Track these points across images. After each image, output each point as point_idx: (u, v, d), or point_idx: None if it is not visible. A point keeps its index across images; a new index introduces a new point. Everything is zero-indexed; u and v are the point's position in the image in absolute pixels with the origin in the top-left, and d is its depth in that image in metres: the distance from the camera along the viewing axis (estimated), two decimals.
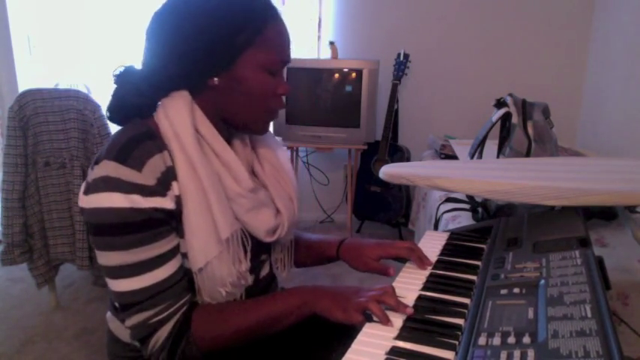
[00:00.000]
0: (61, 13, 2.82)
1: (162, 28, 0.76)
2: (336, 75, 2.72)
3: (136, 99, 0.77)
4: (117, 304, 0.75)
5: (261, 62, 0.76)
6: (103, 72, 2.86)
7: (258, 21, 0.75)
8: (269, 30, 0.76)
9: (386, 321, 0.67)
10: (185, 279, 0.77)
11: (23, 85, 2.74)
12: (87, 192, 0.71)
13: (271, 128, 1.01)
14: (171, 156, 0.74)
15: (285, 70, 0.86)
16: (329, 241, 1.01)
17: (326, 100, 2.76)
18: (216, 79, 0.76)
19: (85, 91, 2.01)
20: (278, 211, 0.87)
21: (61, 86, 2.72)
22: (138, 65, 0.80)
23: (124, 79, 0.78)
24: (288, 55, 0.81)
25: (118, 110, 0.78)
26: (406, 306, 0.70)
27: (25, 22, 2.80)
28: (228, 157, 0.79)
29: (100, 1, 2.83)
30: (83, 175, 1.86)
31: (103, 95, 2.67)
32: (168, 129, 0.74)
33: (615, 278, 1.06)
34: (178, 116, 0.75)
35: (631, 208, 1.06)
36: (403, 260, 0.91)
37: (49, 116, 1.81)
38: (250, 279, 0.85)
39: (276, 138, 0.98)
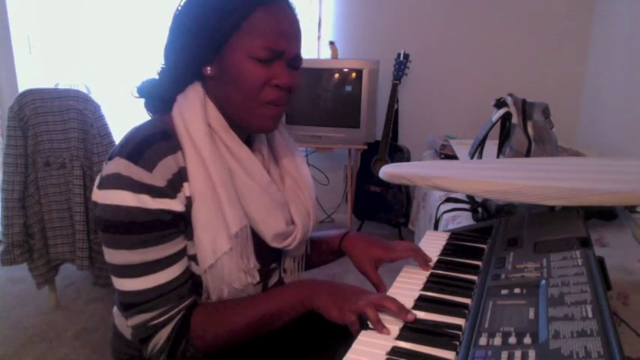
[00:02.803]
0: (61, 13, 2.82)
1: (172, 21, 0.78)
2: (336, 75, 2.72)
3: (156, 90, 0.80)
4: (119, 303, 0.75)
5: (246, 49, 0.73)
6: (103, 72, 2.86)
7: (245, 5, 0.72)
8: (258, 14, 0.73)
9: (380, 328, 0.65)
10: (189, 282, 0.76)
11: (23, 85, 2.74)
12: (100, 186, 0.71)
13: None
14: (184, 156, 0.74)
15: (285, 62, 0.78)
16: (332, 234, 0.99)
17: (326, 100, 2.76)
18: (209, 68, 0.76)
19: (85, 91, 2.02)
20: (293, 222, 0.86)
21: (61, 86, 2.73)
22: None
23: (159, 73, 0.81)
24: (283, 43, 0.75)
25: (146, 99, 0.81)
26: (408, 312, 0.67)
27: (25, 22, 2.80)
28: (241, 152, 0.79)
29: (100, 1, 2.83)
30: (83, 175, 1.86)
31: (103, 95, 2.68)
32: (180, 125, 0.75)
33: (615, 278, 1.06)
34: (190, 111, 0.75)
35: (631, 208, 1.06)
36: None
37: (49, 116, 1.81)
38: (259, 287, 0.84)
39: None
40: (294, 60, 0.79)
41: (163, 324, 0.73)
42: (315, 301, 0.74)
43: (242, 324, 0.75)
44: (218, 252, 0.74)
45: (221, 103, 0.79)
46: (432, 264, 0.88)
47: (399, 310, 0.67)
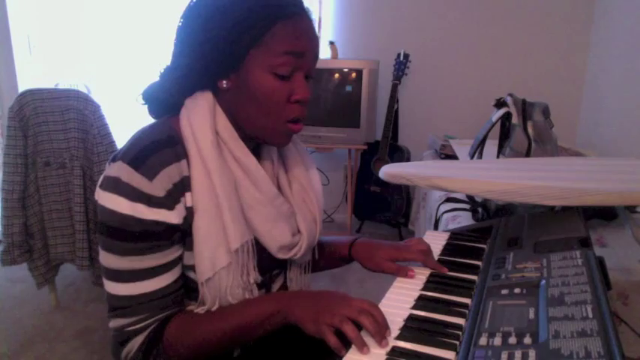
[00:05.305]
0: (61, 13, 2.82)
1: (183, 24, 0.75)
2: (336, 75, 2.72)
3: (162, 94, 0.77)
4: (107, 303, 0.75)
5: (266, 64, 0.71)
6: (103, 72, 2.86)
7: (266, 19, 0.69)
8: (278, 29, 0.70)
9: (361, 346, 0.61)
10: (175, 294, 0.75)
11: (23, 85, 2.74)
12: (101, 186, 0.71)
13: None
14: (189, 165, 0.72)
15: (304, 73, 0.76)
16: (341, 240, 0.98)
17: (326, 100, 2.76)
18: (225, 81, 0.74)
19: (85, 91, 2.01)
20: (299, 231, 0.84)
21: (61, 86, 2.72)
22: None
23: (161, 75, 0.79)
24: (304, 57, 0.73)
25: (150, 104, 0.80)
26: (384, 336, 0.63)
27: (25, 22, 2.80)
28: (249, 163, 0.76)
29: (100, 1, 2.83)
30: (83, 175, 1.86)
31: (103, 95, 2.68)
32: (187, 130, 0.73)
33: (615, 278, 1.06)
34: (198, 117, 0.73)
35: (631, 208, 1.06)
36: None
37: (49, 116, 1.81)
38: (260, 294, 0.82)
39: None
40: (310, 71, 0.77)
41: (138, 331, 0.72)
42: (290, 314, 0.71)
43: (215, 336, 0.73)
44: (217, 266, 0.73)
45: (236, 117, 0.76)
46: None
47: (375, 331, 0.63)
